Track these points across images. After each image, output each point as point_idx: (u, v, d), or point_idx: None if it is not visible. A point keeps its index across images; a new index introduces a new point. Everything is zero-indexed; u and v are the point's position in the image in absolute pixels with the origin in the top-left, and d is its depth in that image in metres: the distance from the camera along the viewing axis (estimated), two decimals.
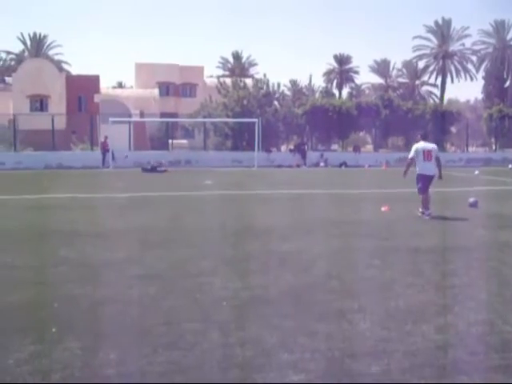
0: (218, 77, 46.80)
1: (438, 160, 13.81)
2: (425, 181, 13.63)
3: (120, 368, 4.43)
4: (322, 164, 38.61)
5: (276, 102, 44.48)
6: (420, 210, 13.56)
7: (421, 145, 13.71)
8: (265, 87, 44.33)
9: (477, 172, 30.86)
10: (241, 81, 44.20)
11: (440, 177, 14.06)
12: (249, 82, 45.59)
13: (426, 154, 13.47)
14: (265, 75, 44.44)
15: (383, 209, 14.49)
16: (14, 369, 4.44)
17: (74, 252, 8.90)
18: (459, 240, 10.26)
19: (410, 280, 7.15)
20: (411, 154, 13.78)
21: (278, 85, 45.51)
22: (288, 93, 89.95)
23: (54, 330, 5.30)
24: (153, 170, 31.94)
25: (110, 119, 36.04)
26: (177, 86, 57.60)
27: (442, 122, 44.53)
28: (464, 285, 6.98)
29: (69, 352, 4.77)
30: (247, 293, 6.50)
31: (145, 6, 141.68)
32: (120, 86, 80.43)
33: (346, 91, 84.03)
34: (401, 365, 4.47)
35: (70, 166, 34.24)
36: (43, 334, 5.19)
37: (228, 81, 46.16)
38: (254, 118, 37.17)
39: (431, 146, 13.79)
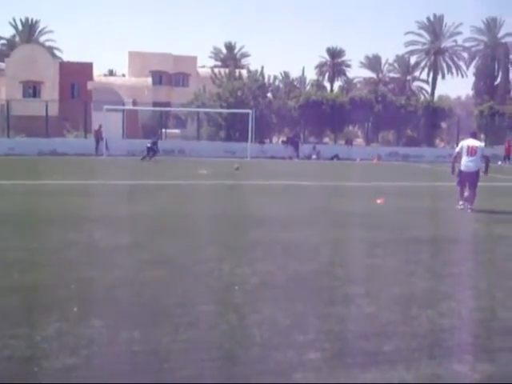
0: (212, 67, 46.86)
1: (485, 158, 14.90)
2: (464, 176, 13.86)
3: (145, 345, 4.66)
4: (314, 156, 38.93)
5: (270, 94, 44.64)
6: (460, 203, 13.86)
7: (467, 141, 14.09)
8: (260, 79, 44.56)
9: None
10: (236, 72, 44.34)
11: (486, 172, 15.11)
12: (244, 73, 45.71)
13: (470, 150, 13.75)
14: (262, 68, 44.68)
15: (379, 201, 14.77)
16: (43, 344, 4.65)
17: (83, 236, 9.12)
18: (456, 232, 10.59)
19: (411, 268, 7.43)
20: (457, 149, 14.23)
21: (274, 77, 45.76)
22: (280, 84, 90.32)
23: (75, 309, 5.52)
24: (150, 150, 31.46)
25: (105, 107, 36.10)
26: (170, 75, 57.60)
27: (433, 118, 45.02)
28: (462, 273, 7.29)
29: (93, 329, 4.99)
30: (256, 278, 6.74)
31: None
32: (111, 73, 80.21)
33: (337, 84, 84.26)
34: (410, 345, 4.75)
35: (64, 152, 34.31)
36: (65, 313, 5.40)
37: (223, 71, 46.27)
38: (248, 109, 37.38)
39: (477, 143, 14.14)
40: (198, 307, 5.65)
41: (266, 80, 46.33)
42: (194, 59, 58.93)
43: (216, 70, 47.16)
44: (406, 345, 4.76)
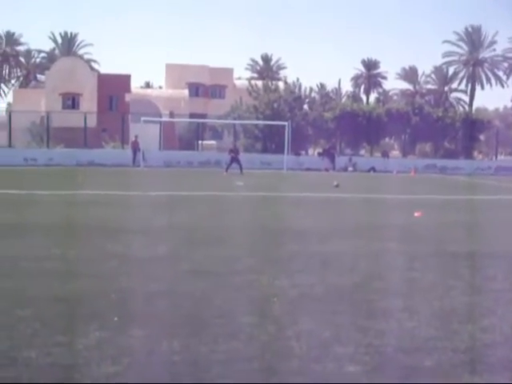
0: (248, 79, 47.14)
1: None
2: None
3: (185, 355, 4.69)
4: (350, 168, 38.74)
5: (306, 106, 44.62)
6: None
7: None
8: (296, 91, 44.62)
9: None
10: (272, 84, 44.51)
11: None
12: (280, 85, 45.83)
13: None
14: (298, 79, 44.77)
15: (416, 214, 14.63)
16: (84, 353, 4.71)
17: (121, 247, 9.22)
18: (496, 246, 10.41)
19: (451, 283, 7.34)
20: None
21: (310, 89, 45.71)
22: (316, 96, 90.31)
23: (115, 318, 5.58)
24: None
25: (142, 118, 36.57)
26: (206, 87, 58.09)
27: (471, 130, 44.40)
28: (504, 289, 7.17)
29: (134, 339, 5.05)
30: (295, 290, 6.74)
31: (174, 6, 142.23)
32: (148, 85, 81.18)
33: (373, 96, 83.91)
34: (451, 360, 4.69)
35: (101, 163, 34.71)
36: (106, 322, 5.47)
37: (259, 83, 46.48)
38: (284, 122, 37.40)
39: None
40: (238, 318, 5.67)
41: (302, 92, 46.33)
42: (230, 71, 59.35)
43: (253, 82, 47.36)
44: (446, 360, 4.70)
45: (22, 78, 77.40)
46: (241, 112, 42.94)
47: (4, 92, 78.01)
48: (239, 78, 63.18)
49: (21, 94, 58.96)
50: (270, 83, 44.58)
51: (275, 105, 40.79)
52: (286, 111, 40.70)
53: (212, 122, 47.34)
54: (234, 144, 35.46)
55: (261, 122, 40.04)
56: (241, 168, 31.18)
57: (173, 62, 59.84)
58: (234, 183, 23.57)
